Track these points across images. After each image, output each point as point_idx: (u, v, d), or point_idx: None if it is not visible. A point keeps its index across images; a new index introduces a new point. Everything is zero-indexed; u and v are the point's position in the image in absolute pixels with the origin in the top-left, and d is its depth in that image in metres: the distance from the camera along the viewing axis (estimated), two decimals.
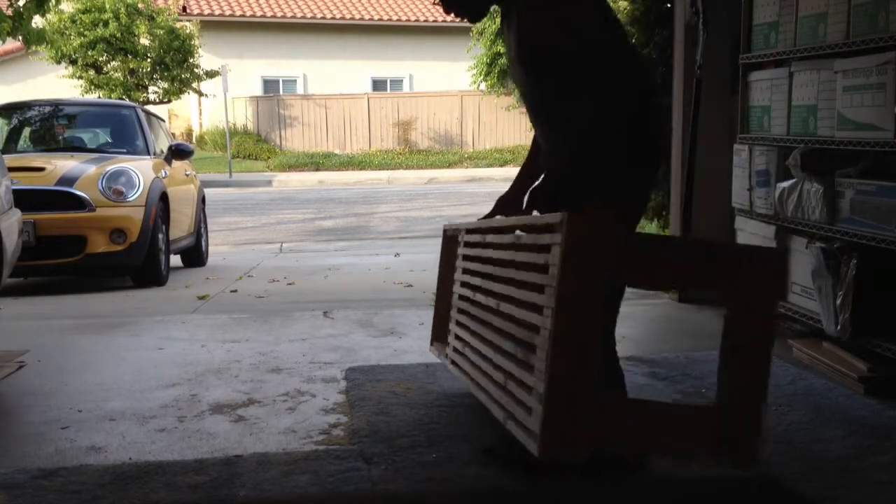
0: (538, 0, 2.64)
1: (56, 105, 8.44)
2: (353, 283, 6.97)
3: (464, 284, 3.29)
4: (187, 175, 8.33)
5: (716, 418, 2.26)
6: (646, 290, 5.90)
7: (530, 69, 2.73)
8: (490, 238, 3.01)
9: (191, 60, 20.36)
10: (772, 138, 4.33)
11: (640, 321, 4.98)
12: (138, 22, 19.54)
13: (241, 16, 24.15)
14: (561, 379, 2.14)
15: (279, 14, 24.53)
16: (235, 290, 6.56)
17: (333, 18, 24.90)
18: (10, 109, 8.17)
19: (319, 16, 24.88)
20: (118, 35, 19.22)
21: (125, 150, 7.53)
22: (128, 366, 4.14)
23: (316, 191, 17.43)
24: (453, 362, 3.32)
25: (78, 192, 6.46)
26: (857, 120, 3.64)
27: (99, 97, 18.32)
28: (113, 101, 13.00)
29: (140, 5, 19.78)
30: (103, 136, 8.09)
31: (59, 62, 19.23)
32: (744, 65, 4.60)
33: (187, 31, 20.68)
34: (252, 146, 22.95)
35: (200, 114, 24.50)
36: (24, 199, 5.78)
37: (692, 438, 2.27)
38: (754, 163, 4.47)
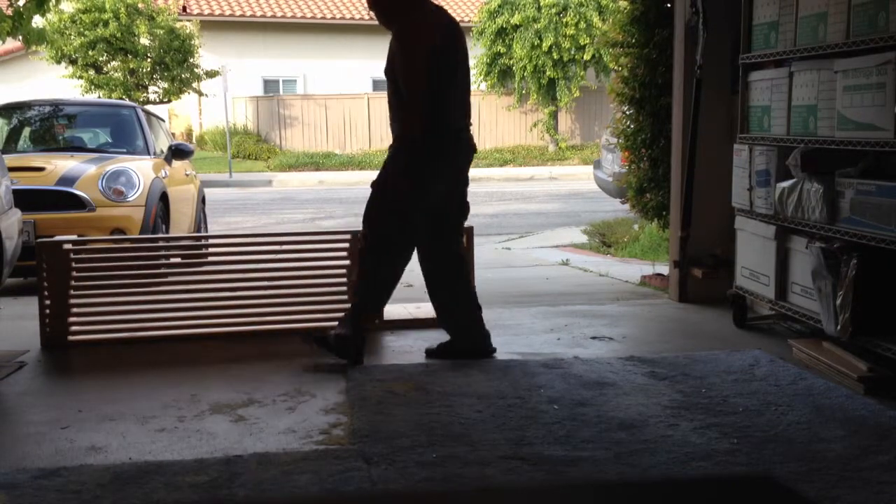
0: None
1: (56, 105, 8.43)
2: None
3: None
4: (187, 175, 8.33)
5: None
6: (645, 291, 5.90)
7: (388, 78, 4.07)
8: None
9: (191, 60, 20.31)
10: (772, 138, 4.33)
11: (640, 321, 4.98)
12: (138, 22, 19.49)
13: (241, 16, 24.13)
14: None
15: (279, 14, 24.51)
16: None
17: (333, 18, 24.88)
18: (10, 109, 8.17)
19: (319, 16, 24.86)
20: (118, 35, 19.17)
21: (125, 150, 7.53)
22: (128, 365, 4.14)
23: (316, 191, 17.42)
24: None
25: (78, 192, 6.45)
26: (857, 120, 3.64)
27: (99, 97, 18.30)
28: (113, 101, 12.96)
29: (140, 5, 19.73)
30: (103, 136, 8.08)
31: (59, 62, 19.20)
32: (744, 65, 4.60)
33: (187, 31, 20.63)
34: (252, 146, 22.93)
35: (200, 114, 24.46)
36: (25, 199, 5.78)
37: None
38: (754, 163, 4.47)
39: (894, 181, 3.47)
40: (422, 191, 3.99)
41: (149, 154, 7.54)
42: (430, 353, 4.18)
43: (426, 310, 5.04)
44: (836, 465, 2.78)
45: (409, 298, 5.53)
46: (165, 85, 20.27)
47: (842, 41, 3.76)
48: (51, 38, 11.98)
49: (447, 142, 4.00)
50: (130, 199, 6.62)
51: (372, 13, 4.13)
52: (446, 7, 23.73)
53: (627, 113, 6.25)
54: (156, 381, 3.84)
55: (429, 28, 3.95)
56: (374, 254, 4.05)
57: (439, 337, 4.49)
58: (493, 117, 23.79)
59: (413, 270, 7.10)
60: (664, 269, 6.06)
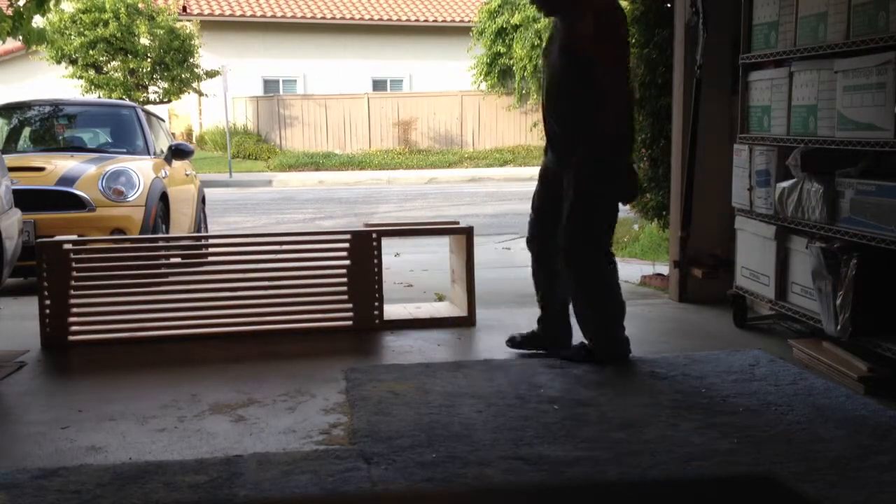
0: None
1: (56, 105, 8.42)
2: None
3: None
4: (187, 175, 8.32)
5: None
6: (645, 291, 5.90)
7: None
8: None
9: (191, 60, 20.31)
10: (772, 138, 4.33)
11: (640, 321, 4.97)
12: (138, 22, 19.49)
13: (241, 16, 24.13)
14: None
15: (279, 14, 24.51)
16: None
17: (333, 18, 24.88)
18: (10, 109, 8.16)
19: (319, 16, 24.86)
20: (118, 35, 19.17)
21: (125, 150, 7.52)
22: (128, 365, 4.14)
23: (316, 191, 17.41)
24: None
25: (78, 192, 6.45)
26: (857, 120, 3.64)
27: (99, 97, 18.29)
28: (113, 101, 12.93)
29: (140, 5, 19.72)
30: (103, 136, 8.07)
31: (59, 62, 19.20)
32: (744, 65, 4.60)
33: (187, 31, 20.63)
34: (252, 146, 22.93)
35: (200, 114, 24.47)
36: (25, 199, 5.78)
37: None
38: (754, 163, 4.47)
39: (894, 181, 3.47)
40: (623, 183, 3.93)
41: (149, 154, 7.54)
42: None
43: (426, 310, 5.05)
44: (836, 465, 2.78)
45: (409, 298, 5.53)
46: (165, 85, 20.27)
47: (842, 41, 3.76)
48: (51, 38, 11.99)
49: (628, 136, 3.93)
50: (130, 199, 6.61)
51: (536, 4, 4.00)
52: (445, 7, 23.50)
53: None
54: (156, 381, 3.84)
55: (623, 16, 3.87)
56: (603, 269, 3.96)
57: (439, 337, 4.49)
58: (493, 117, 23.79)
59: (413, 270, 7.12)
60: (664, 269, 6.06)
